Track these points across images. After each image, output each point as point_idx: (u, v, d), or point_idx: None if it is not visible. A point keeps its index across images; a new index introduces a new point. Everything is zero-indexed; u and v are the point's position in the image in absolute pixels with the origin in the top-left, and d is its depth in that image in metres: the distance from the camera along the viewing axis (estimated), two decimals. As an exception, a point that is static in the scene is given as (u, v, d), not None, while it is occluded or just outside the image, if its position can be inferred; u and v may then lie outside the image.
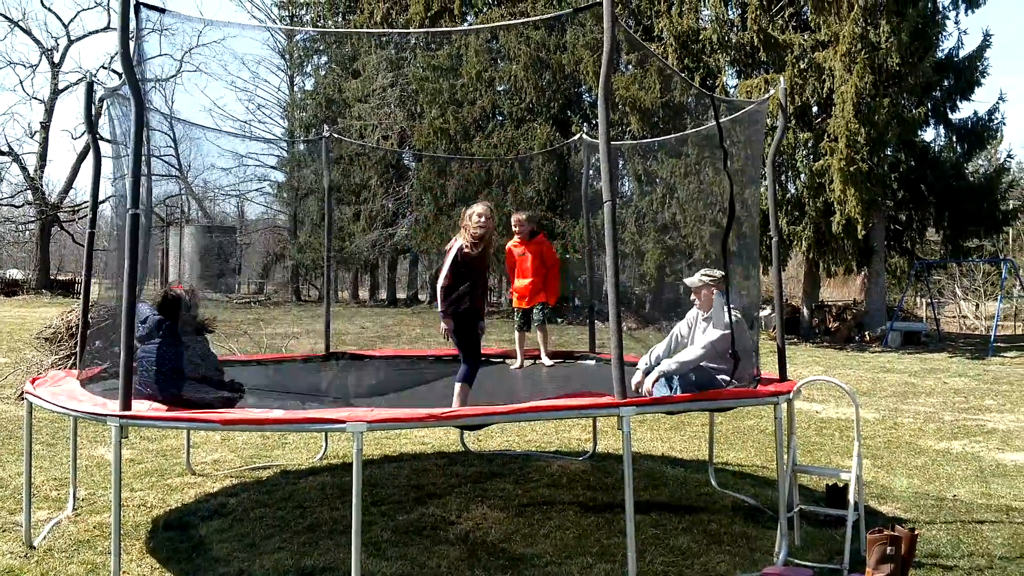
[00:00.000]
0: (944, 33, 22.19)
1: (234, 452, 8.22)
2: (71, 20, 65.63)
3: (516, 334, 8.13)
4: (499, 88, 28.18)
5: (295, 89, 43.80)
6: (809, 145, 21.24)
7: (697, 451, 8.50)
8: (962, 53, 22.92)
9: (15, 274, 52.20)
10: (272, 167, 40.24)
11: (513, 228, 8.16)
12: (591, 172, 9.09)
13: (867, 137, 19.30)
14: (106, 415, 4.55)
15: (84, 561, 5.09)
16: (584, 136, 9.18)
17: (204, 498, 6.60)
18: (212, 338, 5.53)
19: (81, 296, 6.63)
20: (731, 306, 5.45)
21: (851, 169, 19.28)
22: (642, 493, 6.57)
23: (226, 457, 8.04)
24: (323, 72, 38.63)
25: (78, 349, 6.45)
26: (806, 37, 20.95)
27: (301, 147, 35.56)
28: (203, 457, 7.96)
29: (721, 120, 5.71)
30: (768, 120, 6.15)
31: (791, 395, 5.58)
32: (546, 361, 8.01)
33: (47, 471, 7.20)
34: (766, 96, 6.22)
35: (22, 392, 6.74)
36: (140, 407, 4.62)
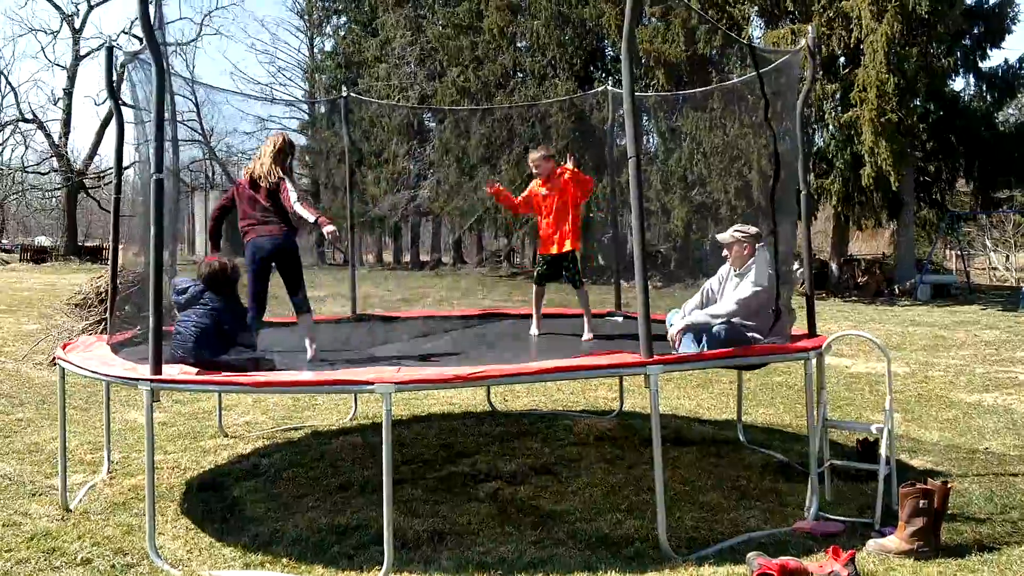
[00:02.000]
0: (973, -22, 21.72)
1: (265, 414, 8.30)
2: (90, -15, 65.15)
3: (533, 288, 7.24)
4: (520, 45, 27.89)
5: (315, 51, 43.68)
6: (836, 97, 20.88)
7: (725, 408, 8.48)
8: None
9: (43, 241, 52.91)
10: (294, 131, 40.27)
11: (532, 170, 7.04)
12: (615, 128, 8.94)
13: (896, 87, 18.95)
14: (137, 379, 4.60)
15: (120, 523, 5.17)
16: (609, 88, 9.02)
17: (237, 459, 6.66)
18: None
19: (109, 262, 6.67)
20: (777, 261, 5.42)
21: (882, 120, 18.96)
22: (670, 450, 6.56)
23: (258, 419, 8.11)
24: (342, 33, 38.45)
25: (108, 314, 6.49)
26: (832, -15, 20.52)
27: (322, 109, 35.49)
28: (235, 419, 8.04)
29: (757, 71, 5.62)
30: (797, 72, 6.02)
31: (821, 350, 5.53)
32: (587, 335, 6.79)
33: (81, 435, 7.29)
34: (798, 47, 6.08)
35: (54, 358, 6.81)
36: (171, 371, 4.66)
